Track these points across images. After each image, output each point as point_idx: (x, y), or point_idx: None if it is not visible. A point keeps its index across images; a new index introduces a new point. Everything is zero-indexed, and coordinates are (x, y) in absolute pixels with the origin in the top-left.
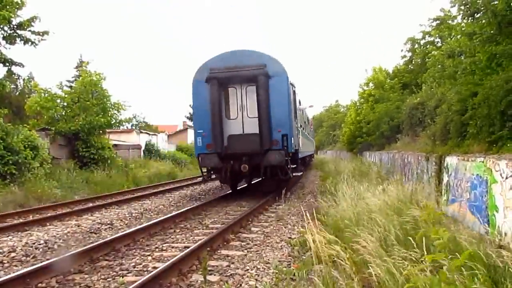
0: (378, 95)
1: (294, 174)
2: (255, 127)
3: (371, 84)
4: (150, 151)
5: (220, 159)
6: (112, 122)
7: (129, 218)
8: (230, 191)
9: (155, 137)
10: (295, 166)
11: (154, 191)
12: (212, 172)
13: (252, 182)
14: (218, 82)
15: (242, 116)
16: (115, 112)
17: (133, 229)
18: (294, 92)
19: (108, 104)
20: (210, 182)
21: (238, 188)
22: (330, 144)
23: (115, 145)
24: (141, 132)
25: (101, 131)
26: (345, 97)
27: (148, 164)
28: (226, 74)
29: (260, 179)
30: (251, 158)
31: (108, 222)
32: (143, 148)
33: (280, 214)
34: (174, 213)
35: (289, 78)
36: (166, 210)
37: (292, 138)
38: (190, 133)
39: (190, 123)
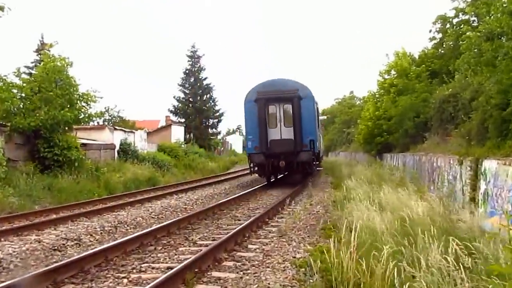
0: (401, 85)
1: (317, 168)
2: (290, 134)
3: (393, 72)
4: (126, 151)
5: (264, 157)
6: (80, 117)
7: (101, 233)
8: (226, 199)
9: (132, 135)
10: (317, 162)
11: (131, 200)
12: (256, 167)
13: (278, 177)
14: (264, 101)
15: (280, 126)
16: (84, 104)
17: (105, 246)
18: (317, 108)
19: (76, 95)
20: (200, 191)
21: (271, 180)
22: (344, 144)
23: (84, 144)
24: (115, 129)
25: (67, 128)
26: (361, 88)
27: (123, 167)
28: (269, 96)
29: (276, 178)
30: (286, 156)
31: (75, 237)
32: (117, 148)
33: (283, 228)
34: (155, 226)
35: (314, 97)
36: (145, 223)
37: (317, 142)
38: (176, 131)
39: (175, 118)
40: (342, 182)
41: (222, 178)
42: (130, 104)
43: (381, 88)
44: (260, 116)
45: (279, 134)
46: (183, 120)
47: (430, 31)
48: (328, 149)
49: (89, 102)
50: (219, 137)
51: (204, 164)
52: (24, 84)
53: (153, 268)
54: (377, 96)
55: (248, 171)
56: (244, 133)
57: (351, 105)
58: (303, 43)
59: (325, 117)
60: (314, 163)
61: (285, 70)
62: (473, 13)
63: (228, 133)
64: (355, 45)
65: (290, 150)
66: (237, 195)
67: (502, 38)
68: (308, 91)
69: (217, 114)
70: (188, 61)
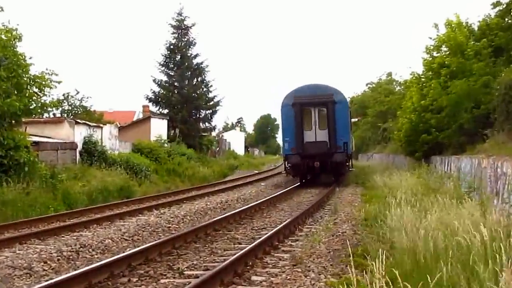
0: (455, 66)
1: (350, 169)
2: (324, 136)
3: (444, 49)
4: (91, 152)
5: (300, 158)
6: (32, 107)
7: (58, 259)
8: (223, 215)
9: (99, 130)
10: (349, 164)
11: (98, 216)
12: (291, 168)
13: (308, 179)
14: (300, 105)
15: (315, 128)
16: (36, 91)
17: (64, 276)
18: (350, 112)
19: (26, 79)
20: (189, 204)
21: (303, 181)
22: (378, 144)
23: (36, 143)
24: (76, 122)
25: (13, 121)
26: (401, 70)
27: (87, 173)
28: (306, 100)
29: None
30: (321, 157)
31: (25, 265)
32: (79, 148)
33: (298, 255)
34: (129, 251)
35: (348, 102)
36: (116, 247)
37: (350, 144)
38: (157, 125)
39: (155, 109)
40: (376, 194)
41: (218, 188)
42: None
43: (428, 69)
44: (296, 119)
45: (314, 136)
46: (165, 111)
47: None
48: (358, 150)
49: (43, 88)
50: (213, 133)
51: (193, 170)
52: None
53: None
54: (422, 79)
55: (250, 180)
56: (281, 136)
57: (389, 91)
58: (323, 11)
59: (357, 119)
60: (347, 164)
61: (302, 47)
62: None
63: (226, 129)
64: (391, 12)
65: (324, 151)
66: (237, 210)
67: None
68: (342, 96)
69: (212, 103)
70: (173, 33)
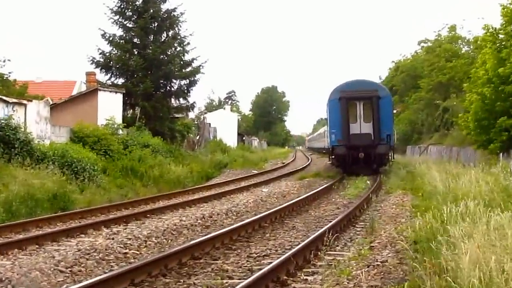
0: None
1: (392, 160)
2: (369, 129)
3: None
4: (9, 143)
5: (346, 149)
6: None
7: None
8: (206, 236)
9: (20, 109)
10: (391, 155)
11: (20, 237)
12: (336, 159)
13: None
14: (346, 99)
15: (360, 121)
16: None
17: None
18: (393, 106)
19: None
20: (155, 220)
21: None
22: (437, 131)
23: None
24: None
25: None
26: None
27: (4, 173)
28: (351, 95)
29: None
30: (365, 149)
31: None
32: None
33: None
34: None
35: (391, 97)
36: (47, 282)
37: (392, 137)
38: (107, 102)
39: (105, 78)
40: (433, 204)
41: (198, 195)
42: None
43: (510, 21)
44: (343, 113)
45: (359, 128)
46: (120, 81)
47: None
48: (404, 141)
49: None
50: (192, 115)
51: (162, 169)
52: None
53: None
54: (501, 36)
55: (245, 184)
56: (328, 128)
57: (452, 54)
58: None
59: (395, 111)
60: (390, 155)
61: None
62: None
63: (211, 108)
64: None
65: (369, 143)
66: (226, 229)
67: None
68: (386, 91)
69: (189, 69)
70: None
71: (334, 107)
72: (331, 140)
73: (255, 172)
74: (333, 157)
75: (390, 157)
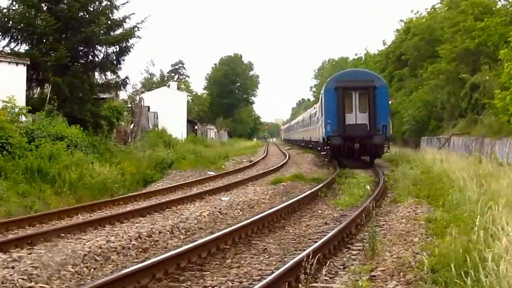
0: None
1: (387, 151)
2: (364, 119)
3: None
4: None
5: (342, 140)
6: None
7: None
8: (146, 263)
9: None
10: (387, 146)
11: None
12: (331, 150)
13: (345, 162)
14: (343, 89)
15: (356, 112)
16: None
17: None
18: (389, 96)
19: None
20: (72, 241)
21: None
22: (462, 117)
23: None
24: None
25: None
26: None
27: None
28: (348, 85)
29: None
30: (361, 139)
31: None
32: None
33: None
34: None
35: (387, 87)
36: None
37: (388, 127)
38: (3, 77)
39: (3, 44)
40: (458, 216)
41: (132, 206)
42: None
43: None
44: (338, 103)
45: (354, 119)
46: (23, 48)
47: None
48: (416, 130)
49: None
50: (123, 95)
51: (82, 170)
52: None
53: None
54: None
55: (197, 191)
56: (323, 119)
57: (484, 9)
58: None
59: (391, 102)
60: (385, 145)
61: None
62: None
63: (150, 86)
64: None
65: (365, 133)
66: (171, 253)
67: None
68: (382, 81)
69: (119, 32)
70: None
71: (330, 97)
72: (326, 131)
73: (212, 174)
74: (327, 147)
75: (386, 148)
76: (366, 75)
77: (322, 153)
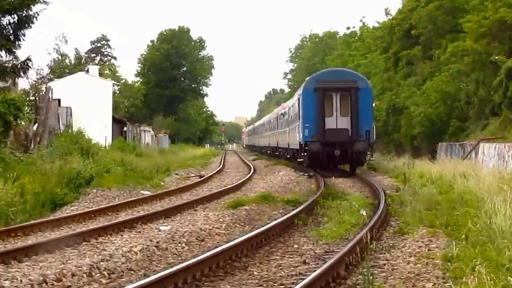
0: None
1: (371, 159)
2: (346, 124)
3: None
4: None
5: (321, 145)
6: None
7: None
8: None
9: None
10: (370, 153)
11: None
12: (309, 157)
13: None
14: (322, 90)
15: (336, 115)
16: None
17: None
18: (373, 99)
19: None
20: None
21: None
22: (495, 115)
23: None
24: None
25: None
26: None
27: None
28: (328, 85)
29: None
30: (342, 145)
31: None
32: None
33: None
34: None
35: (372, 89)
36: None
37: (372, 133)
38: None
39: None
40: (483, 252)
41: (35, 239)
42: None
43: None
44: (318, 105)
45: (335, 123)
46: None
47: None
48: (431, 133)
49: None
50: (24, 83)
51: None
52: None
53: None
54: None
55: (125, 218)
56: (300, 122)
57: None
58: None
59: (375, 104)
60: (368, 153)
61: None
62: None
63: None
64: None
65: (346, 139)
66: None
67: None
68: (366, 82)
69: None
70: None
71: (308, 99)
72: (303, 136)
73: (147, 193)
74: (305, 154)
75: (369, 155)
76: (349, 75)
77: (298, 160)
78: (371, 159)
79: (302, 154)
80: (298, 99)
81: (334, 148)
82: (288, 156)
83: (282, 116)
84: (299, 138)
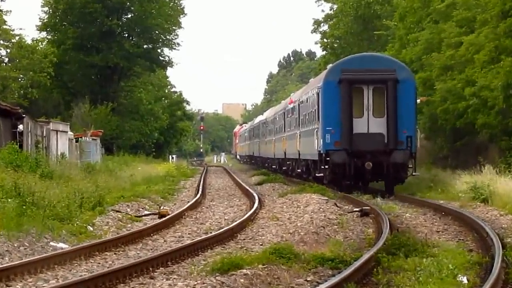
0: None
1: (414, 173)
2: (381, 127)
3: None
4: None
5: (347, 156)
6: None
7: None
8: None
9: None
10: (412, 166)
11: None
12: (332, 171)
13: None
14: (349, 83)
15: (368, 115)
16: None
17: None
18: (416, 94)
19: None
20: None
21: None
22: None
23: None
24: None
25: None
26: None
27: None
28: (358, 76)
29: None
30: (375, 156)
31: None
32: None
33: None
34: None
35: (415, 81)
36: None
37: (414, 140)
38: None
39: None
40: None
41: None
42: None
43: None
44: (344, 102)
45: (366, 126)
46: None
47: None
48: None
49: None
50: None
51: None
52: None
53: None
54: None
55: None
56: (320, 125)
57: None
58: None
59: (419, 100)
60: (410, 166)
61: None
62: None
63: None
64: None
65: (380, 147)
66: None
67: None
68: (408, 72)
69: None
70: None
71: (331, 93)
72: (324, 143)
73: (62, 247)
74: (325, 167)
75: (411, 169)
76: (385, 63)
77: (315, 175)
78: (414, 173)
79: (322, 167)
80: (317, 93)
81: (365, 160)
82: (299, 170)
83: (290, 113)
84: (318, 145)
